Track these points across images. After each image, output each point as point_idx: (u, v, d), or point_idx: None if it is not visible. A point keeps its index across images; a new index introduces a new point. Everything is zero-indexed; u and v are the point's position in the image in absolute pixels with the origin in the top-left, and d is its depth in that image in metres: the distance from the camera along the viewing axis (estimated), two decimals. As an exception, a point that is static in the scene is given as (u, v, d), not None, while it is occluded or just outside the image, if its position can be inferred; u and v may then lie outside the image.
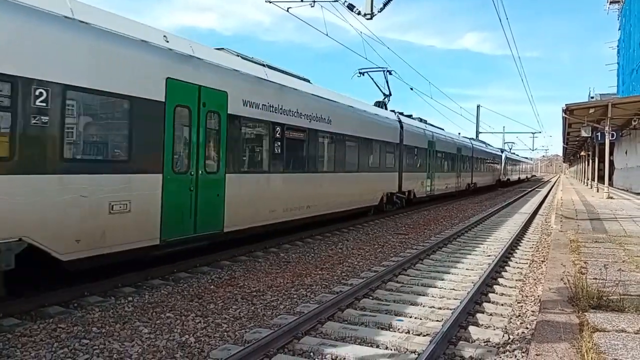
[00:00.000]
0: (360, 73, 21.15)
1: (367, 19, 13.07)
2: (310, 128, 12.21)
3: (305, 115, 11.99)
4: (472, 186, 33.41)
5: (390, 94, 21.40)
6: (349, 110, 14.80)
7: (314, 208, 12.38)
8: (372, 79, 21.33)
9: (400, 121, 19.56)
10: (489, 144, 46.69)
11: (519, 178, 65.87)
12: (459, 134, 34.16)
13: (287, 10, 13.47)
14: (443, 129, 27.47)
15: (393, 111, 20.36)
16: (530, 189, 44.21)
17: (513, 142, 78.13)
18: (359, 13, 13.09)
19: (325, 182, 13.18)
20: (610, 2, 46.16)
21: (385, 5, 12.96)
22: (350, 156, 14.74)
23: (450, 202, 26.77)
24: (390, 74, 21.31)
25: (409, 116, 22.02)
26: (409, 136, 20.03)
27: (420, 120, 23.44)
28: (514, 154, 68.32)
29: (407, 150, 19.86)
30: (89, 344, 5.16)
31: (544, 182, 77.38)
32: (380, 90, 21.38)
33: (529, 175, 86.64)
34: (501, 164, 48.00)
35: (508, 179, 52.14)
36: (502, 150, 52.44)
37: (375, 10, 12.92)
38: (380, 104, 20.33)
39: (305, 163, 12.16)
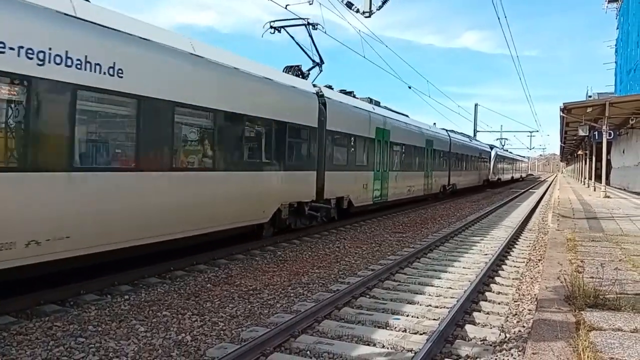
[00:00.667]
0: (272, 28, 14.36)
1: (366, 17, 13.09)
2: (48, 80, 6.06)
3: (24, 51, 5.78)
4: (450, 188, 28.30)
5: (321, 62, 14.61)
6: (187, 62, 8.36)
7: (82, 240, 6.57)
8: (293, 38, 14.52)
9: (321, 96, 13.09)
10: (474, 138, 41.04)
11: (512, 177, 61.02)
12: (434, 124, 27.88)
13: (286, 7, 13.44)
14: (407, 116, 21.71)
15: (329, 87, 14.54)
16: (522, 190, 40.61)
17: (506, 139, 73.51)
18: (357, 11, 13.09)
19: (120, 190, 7.14)
20: (609, 1, 46.21)
21: (383, 3, 12.97)
22: (190, 143, 9.04)
23: (446, 201, 26.78)
24: (316, 29, 14.38)
25: (349, 93, 16.13)
26: (337, 119, 13.81)
27: (370, 101, 17.64)
28: (506, 150, 63.65)
29: (334, 139, 13.78)
30: (85, 343, 5.15)
31: (540, 182, 74.25)
32: (307, 54, 14.61)
33: (524, 175, 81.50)
34: (490, 161, 43.12)
35: (499, 179, 47.40)
36: (492, 147, 47.33)
37: (373, 8, 12.94)
38: (294, 70, 13.63)
39: (38, 152, 6.11)
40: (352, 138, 15.06)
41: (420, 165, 22.21)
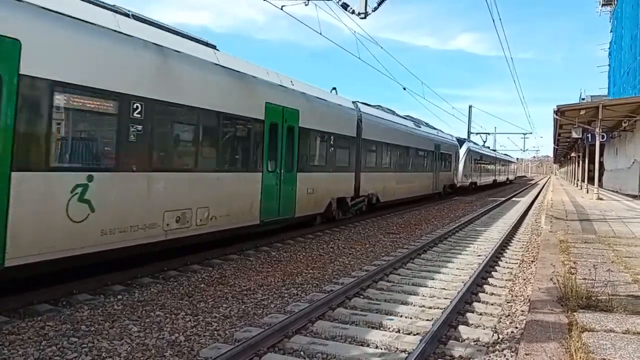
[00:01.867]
0: None
1: (361, 19, 13.08)
2: None
3: None
4: (360, 203, 16.19)
5: None
6: None
7: None
8: None
9: None
10: (426, 123, 27.08)
11: (495, 181, 49.59)
12: (334, 89, 16.68)
13: (282, 8, 13.42)
14: (215, 47, 9.85)
15: None
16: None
17: (488, 133, 61.92)
18: (352, 12, 13.09)
19: None
20: (603, 5, 46.58)
21: (379, 4, 12.96)
22: None
23: (440, 202, 26.81)
24: None
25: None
26: None
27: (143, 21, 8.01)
28: (488, 148, 52.85)
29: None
30: (78, 342, 5.12)
31: (530, 186, 64.88)
32: None
33: (511, 177, 69.23)
34: (459, 160, 32.42)
35: (473, 184, 37.35)
36: (463, 141, 35.95)
37: (369, 10, 12.93)
38: None
39: None
40: None
41: (246, 159, 10.54)
